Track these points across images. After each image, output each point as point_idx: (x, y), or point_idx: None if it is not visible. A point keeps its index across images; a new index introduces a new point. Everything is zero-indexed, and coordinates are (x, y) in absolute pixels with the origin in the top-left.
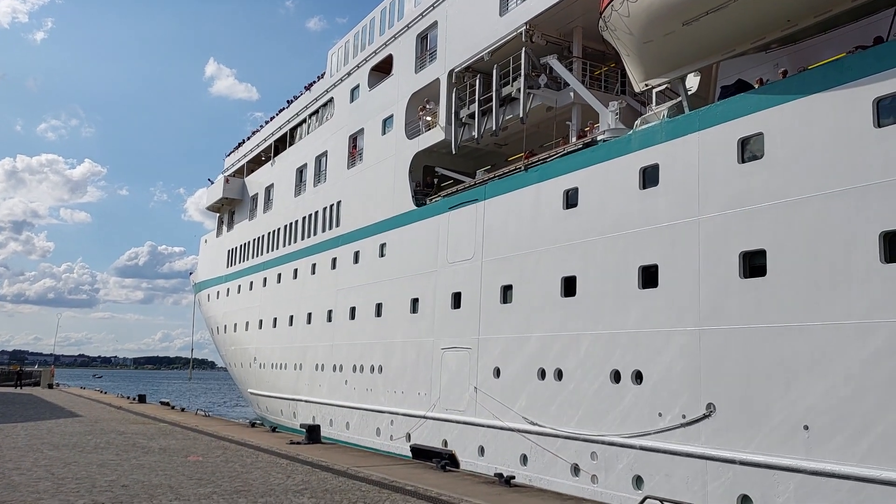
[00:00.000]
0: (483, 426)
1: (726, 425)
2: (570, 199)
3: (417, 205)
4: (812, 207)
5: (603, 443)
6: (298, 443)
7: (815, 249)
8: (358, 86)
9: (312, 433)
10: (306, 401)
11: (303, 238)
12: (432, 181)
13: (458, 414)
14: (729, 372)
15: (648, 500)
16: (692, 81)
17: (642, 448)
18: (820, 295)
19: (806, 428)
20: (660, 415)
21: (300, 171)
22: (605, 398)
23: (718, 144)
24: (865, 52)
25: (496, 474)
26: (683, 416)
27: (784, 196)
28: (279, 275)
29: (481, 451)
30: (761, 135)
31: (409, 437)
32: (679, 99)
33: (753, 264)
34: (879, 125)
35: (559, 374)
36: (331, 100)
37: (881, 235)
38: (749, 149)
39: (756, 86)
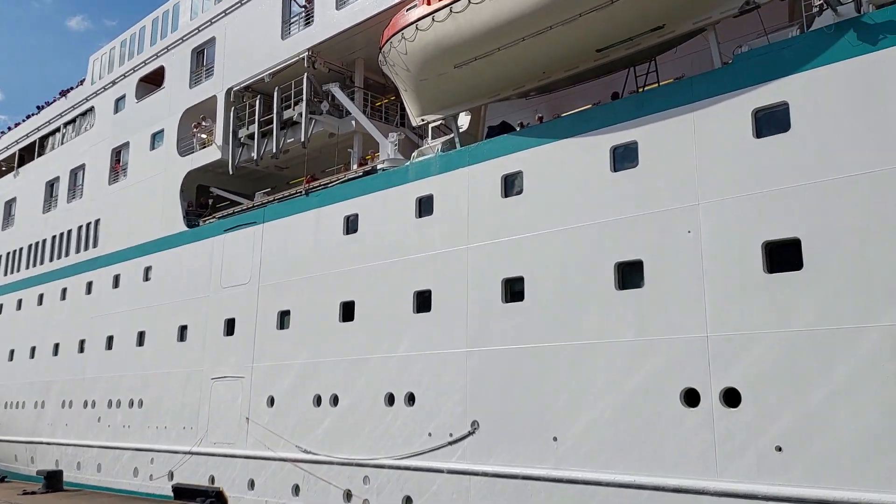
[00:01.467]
0: (254, 458)
1: (488, 441)
2: (351, 224)
3: (189, 226)
4: (561, 239)
5: (375, 466)
6: (33, 492)
7: (564, 277)
8: (124, 96)
9: (52, 480)
10: (47, 443)
11: (52, 259)
12: (207, 202)
13: (227, 447)
14: (492, 390)
15: None
16: (464, 120)
17: (411, 468)
18: (568, 317)
19: (555, 439)
20: (430, 435)
21: (51, 185)
22: (380, 422)
23: (485, 179)
24: (602, 106)
25: None
26: (451, 435)
27: (539, 228)
28: (19, 300)
29: (251, 484)
30: (521, 172)
31: (171, 475)
32: (452, 135)
33: (514, 290)
34: (615, 170)
35: (335, 400)
36: (91, 109)
37: (615, 265)
38: (511, 184)
39: (517, 128)
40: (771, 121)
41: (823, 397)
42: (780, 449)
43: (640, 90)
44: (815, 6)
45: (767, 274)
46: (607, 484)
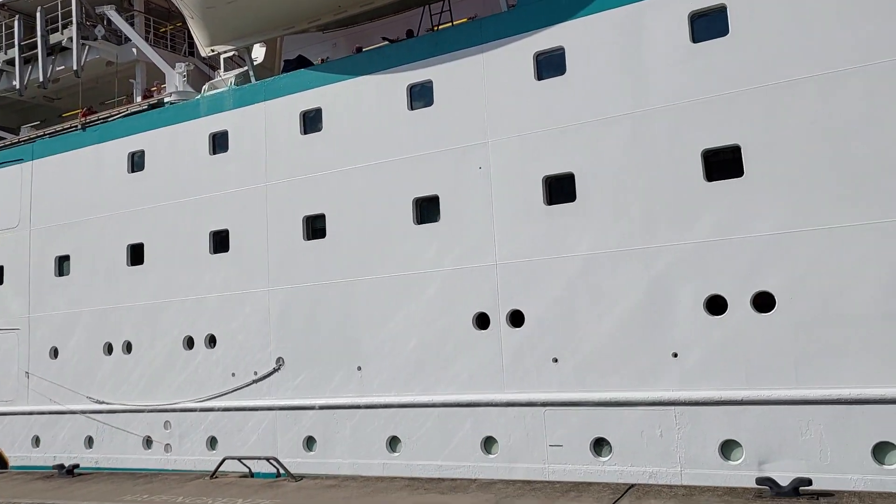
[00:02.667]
0: (38, 414)
1: (294, 376)
2: (136, 162)
3: None
4: (361, 176)
5: (176, 410)
6: None
7: (365, 213)
8: None
9: None
10: None
11: None
12: None
13: (3, 405)
14: (296, 327)
15: (227, 460)
16: (258, 52)
17: (216, 410)
18: (369, 252)
19: (359, 369)
20: (233, 375)
21: None
22: (179, 366)
23: (283, 115)
24: (399, 43)
25: (56, 466)
26: (255, 373)
27: (339, 166)
28: None
29: (36, 441)
30: (320, 109)
31: None
32: (246, 68)
33: (315, 227)
34: (411, 108)
35: (128, 347)
36: None
37: (413, 201)
38: (310, 121)
39: (317, 63)
40: (550, 64)
41: (590, 315)
42: (556, 360)
43: (435, 29)
44: None
45: (547, 206)
46: (408, 405)
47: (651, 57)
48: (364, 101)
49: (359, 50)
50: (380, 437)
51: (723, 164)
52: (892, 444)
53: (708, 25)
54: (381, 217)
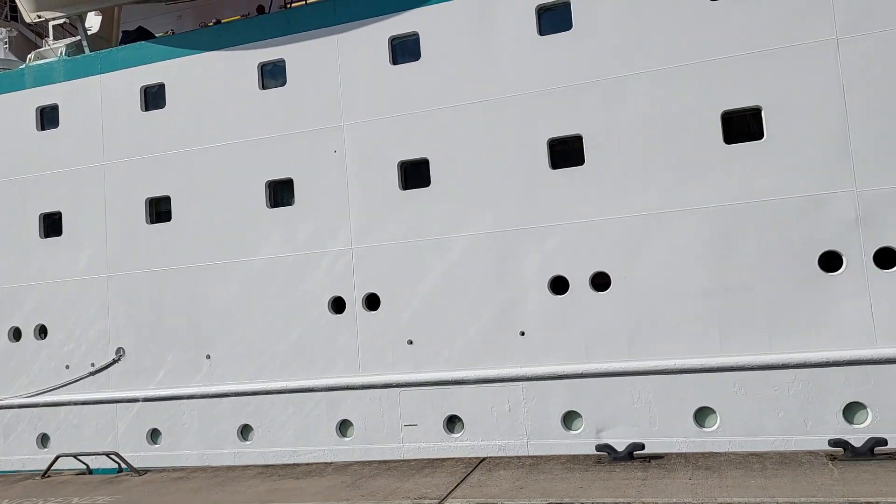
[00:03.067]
0: None
1: (136, 367)
2: None
3: None
4: (211, 157)
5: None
6: None
7: (214, 196)
8: None
9: None
10: None
11: None
12: None
13: None
14: (139, 315)
15: (61, 457)
16: (93, 21)
17: (47, 405)
18: (219, 237)
19: (208, 357)
20: (67, 367)
21: None
22: (5, 359)
23: (121, 90)
24: (250, 19)
25: None
26: (92, 365)
27: (186, 145)
28: None
29: None
30: (163, 84)
31: None
32: (78, 37)
33: (160, 210)
34: (263, 87)
35: None
36: None
37: (266, 184)
38: (152, 97)
39: (161, 35)
40: (405, 49)
41: (443, 297)
42: (410, 342)
43: (288, 6)
44: None
45: (403, 191)
46: (260, 392)
47: (501, 47)
48: (212, 78)
49: (217, 22)
50: (231, 426)
51: (567, 152)
52: (711, 408)
53: (553, 19)
54: (231, 200)
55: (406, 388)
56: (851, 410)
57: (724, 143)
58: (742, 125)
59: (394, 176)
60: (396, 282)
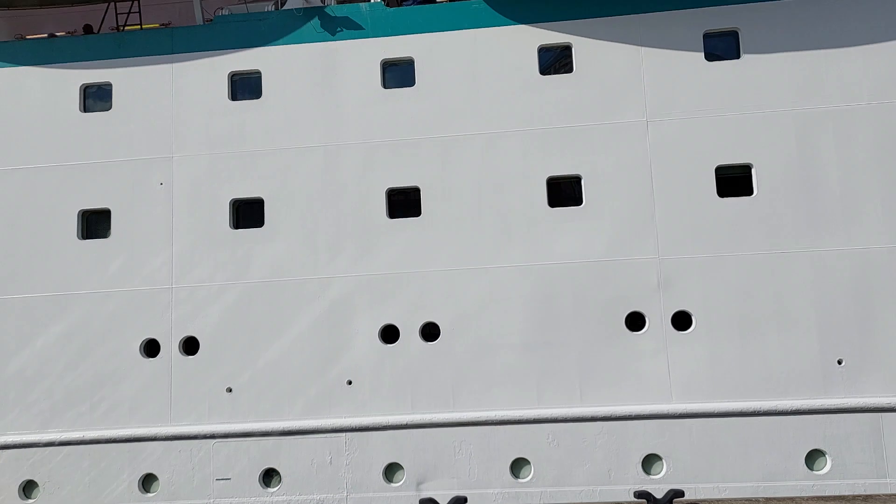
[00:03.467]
0: None
1: None
2: None
3: None
4: (20, 181)
5: None
6: None
7: (20, 224)
8: None
9: None
10: None
11: None
12: None
13: None
14: None
15: None
16: None
17: None
18: (23, 269)
19: None
20: None
21: None
22: None
23: None
24: (76, 38)
25: None
26: None
27: None
28: None
29: None
30: None
31: None
32: None
33: None
34: (85, 110)
35: None
36: None
37: (79, 213)
38: None
39: None
40: (246, 86)
41: (269, 343)
42: (230, 390)
43: (121, 29)
44: None
45: (233, 230)
46: (49, 444)
47: (345, 94)
48: (26, 96)
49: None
50: (12, 482)
51: (405, 203)
52: (526, 459)
53: (397, 75)
54: (37, 228)
55: (222, 440)
56: (649, 462)
57: (548, 207)
58: (566, 191)
59: (225, 213)
60: (219, 325)
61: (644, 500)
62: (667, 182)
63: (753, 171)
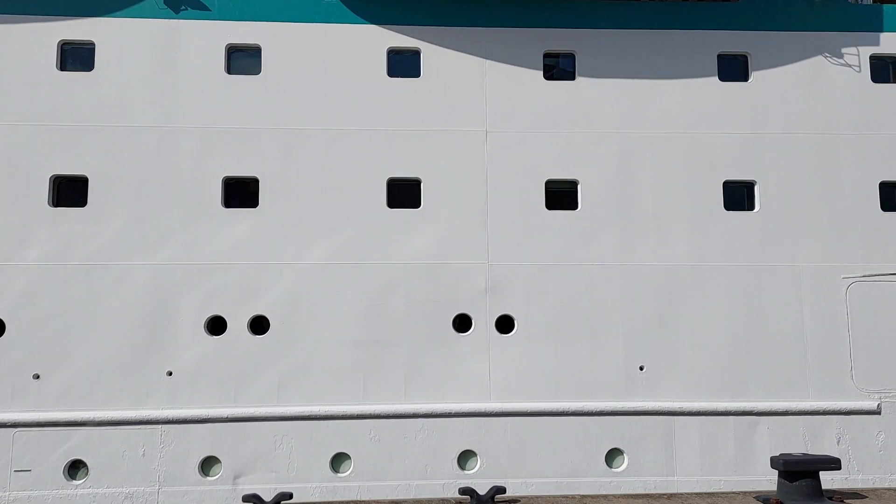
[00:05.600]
0: None
1: None
2: None
3: None
4: None
5: None
6: None
7: None
8: None
9: None
10: None
11: None
12: None
13: None
14: None
15: None
16: None
17: None
18: None
19: None
20: None
21: None
22: None
23: None
24: None
25: None
26: None
27: None
28: None
29: None
30: None
31: None
32: None
33: None
34: None
35: None
36: None
37: None
38: None
39: None
40: (77, 56)
41: (86, 328)
42: (37, 377)
43: None
44: None
45: (53, 207)
46: None
47: (186, 76)
48: None
49: None
50: None
51: (241, 193)
52: (347, 454)
53: (241, 61)
54: None
55: (23, 429)
56: (465, 458)
57: (387, 207)
58: (405, 193)
59: (45, 189)
60: (28, 307)
61: (468, 497)
62: (501, 191)
63: (579, 187)
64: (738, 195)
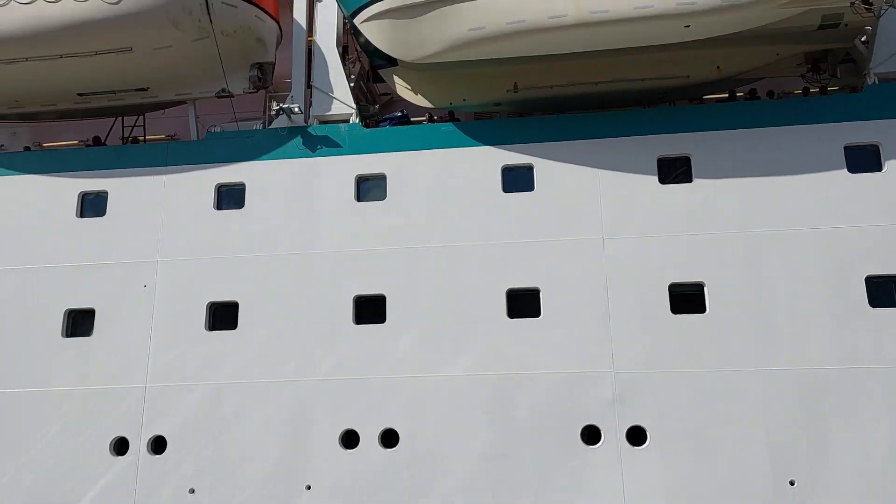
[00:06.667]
0: None
1: None
2: None
3: None
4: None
5: None
6: None
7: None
8: None
9: None
10: None
11: None
12: None
13: None
14: None
15: None
16: None
17: None
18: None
19: None
20: None
21: None
22: None
23: None
24: (76, 150)
25: None
26: None
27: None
28: None
29: None
30: None
31: None
32: None
33: None
34: (81, 215)
35: None
36: None
37: (66, 312)
38: None
39: None
40: (231, 196)
41: (235, 443)
42: (192, 491)
43: (126, 141)
44: (274, 110)
45: (208, 331)
46: None
47: (321, 206)
48: (32, 202)
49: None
50: None
51: (370, 310)
52: None
53: (370, 189)
54: (28, 327)
55: None
56: None
57: (508, 318)
58: (525, 303)
59: (202, 314)
60: (185, 424)
61: None
62: (623, 297)
63: (706, 289)
64: (884, 290)
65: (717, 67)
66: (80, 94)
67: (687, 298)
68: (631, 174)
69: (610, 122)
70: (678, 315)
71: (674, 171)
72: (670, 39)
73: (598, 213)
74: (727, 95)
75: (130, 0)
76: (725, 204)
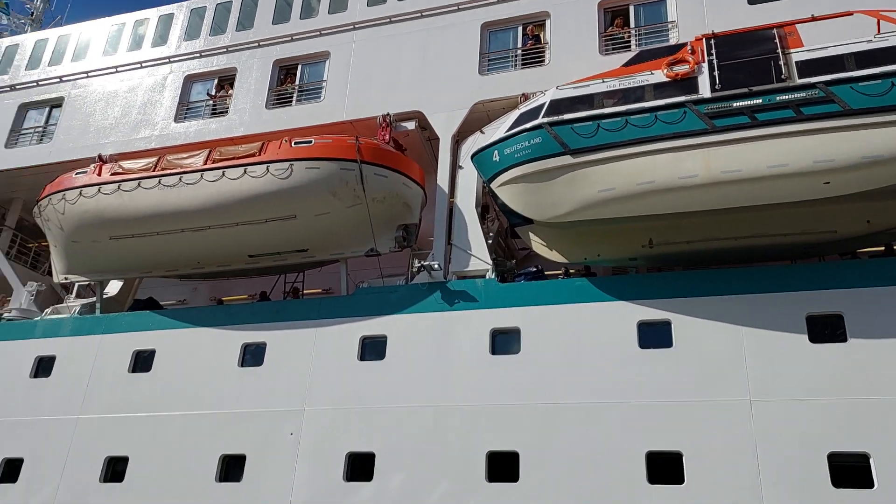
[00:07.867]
0: None
1: None
2: None
3: None
4: (186, 424)
5: None
6: None
7: (171, 464)
8: None
9: None
10: None
11: None
12: None
13: None
14: None
15: None
16: (114, 286)
17: None
18: None
19: None
20: None
21: None
22: None
23: (115, 351)
24: (238, 305)
25: None
26: None
27: (161, 410)
28: None
29: None
30: (154, 351)
31: None
32: (94, 299)
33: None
34: (242, 365)
35: None
36: None
37: (220, 458)
38: (142, 361)
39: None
40: (373, 348)
41: None
42: None
43: (288, 296)
44: (416, 267)
45: (345, 482)
46: None
47: (456, 359)
48: (197, 351)
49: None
50: None
51: (503, 468)
52: None
53: (504, 342)
54: (182, 471)
55: None
56: None
57: (648, 483)
58: (665, 468)
59: (340, 466)
60: None
61: None
62: (774, 466)
63: (871, 461)
64: None
65: (868, 222)
66: (250, 256)
67: (849, 470)
68: (778, 332)
69: (753, 277)
70: (839, 489)
71: (825, 329)
72: (810, 196)
73: (743, 372)
74: (883, 249)
75: (297, 175)
76: (888, 366)
